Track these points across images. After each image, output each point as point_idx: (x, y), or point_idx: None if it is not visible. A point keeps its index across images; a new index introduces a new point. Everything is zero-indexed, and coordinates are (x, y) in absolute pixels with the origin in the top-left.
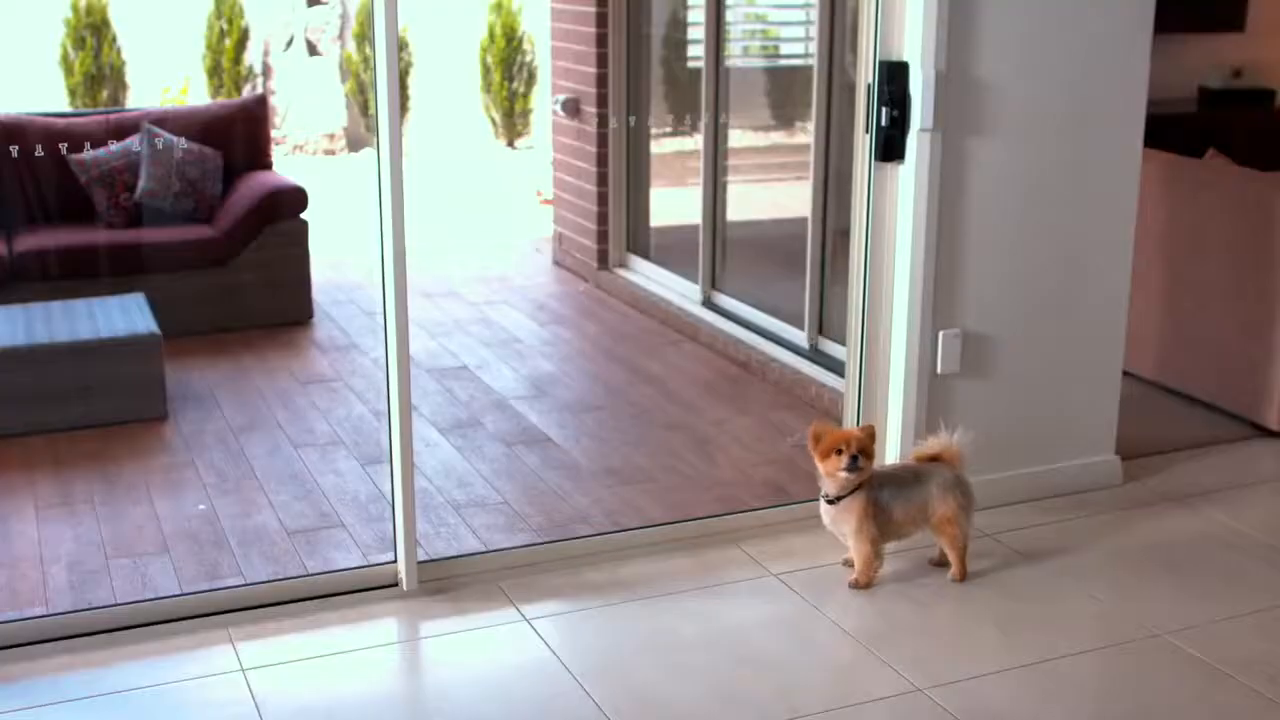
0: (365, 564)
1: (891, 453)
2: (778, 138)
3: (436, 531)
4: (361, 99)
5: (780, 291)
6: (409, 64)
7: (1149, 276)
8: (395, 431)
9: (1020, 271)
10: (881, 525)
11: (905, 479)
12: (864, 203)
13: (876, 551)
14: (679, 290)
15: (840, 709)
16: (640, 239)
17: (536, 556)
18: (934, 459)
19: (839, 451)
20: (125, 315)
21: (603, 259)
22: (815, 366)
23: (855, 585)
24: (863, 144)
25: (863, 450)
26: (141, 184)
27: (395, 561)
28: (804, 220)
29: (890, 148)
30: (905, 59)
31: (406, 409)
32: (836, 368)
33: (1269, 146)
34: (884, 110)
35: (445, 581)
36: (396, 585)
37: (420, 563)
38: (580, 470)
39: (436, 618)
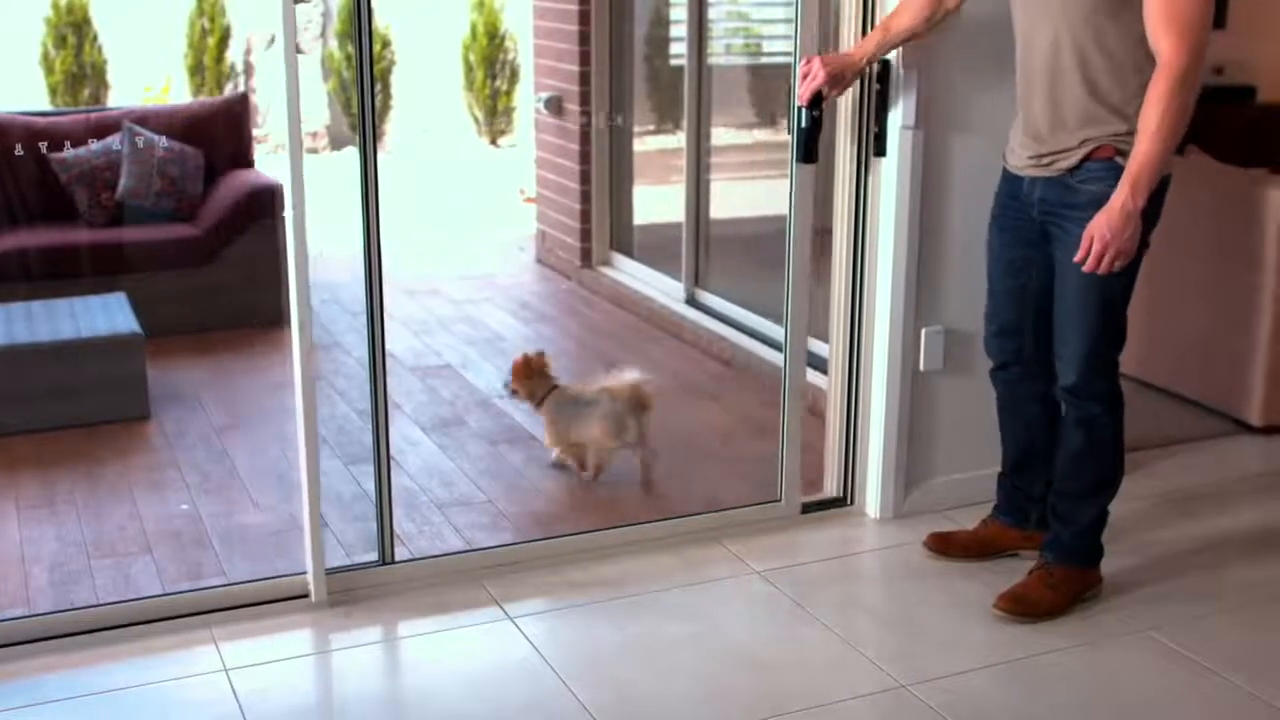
0: (349, 563)
1: (875, 449)
2: (760, 135)
3: (420, 530)
4: (343, 97)
5: (763, 289)
6: (392, 62)
7: None
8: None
9: None
10: (560, 432)
11: (580, 401)
12: (847, 201)
13: (563, 447)
14: (662, 288)
15: (824, 706)
16: (623, 237)
17: (520, 555)
18: (622, 390)
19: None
20: (107, 315)
21: (586, 257)
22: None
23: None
24: (845, 142)
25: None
26: (123, 183)
27: (382, 561)
28: (787, 218)
29: (874, 145)
30: (887, 57)
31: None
32: (819, 365)
33: (1250, 143)
34: (805, 111)
35: (428, 580)
36: (380, 584)
37: (403, 561)
38: (564, 468)
39: (420, 616)
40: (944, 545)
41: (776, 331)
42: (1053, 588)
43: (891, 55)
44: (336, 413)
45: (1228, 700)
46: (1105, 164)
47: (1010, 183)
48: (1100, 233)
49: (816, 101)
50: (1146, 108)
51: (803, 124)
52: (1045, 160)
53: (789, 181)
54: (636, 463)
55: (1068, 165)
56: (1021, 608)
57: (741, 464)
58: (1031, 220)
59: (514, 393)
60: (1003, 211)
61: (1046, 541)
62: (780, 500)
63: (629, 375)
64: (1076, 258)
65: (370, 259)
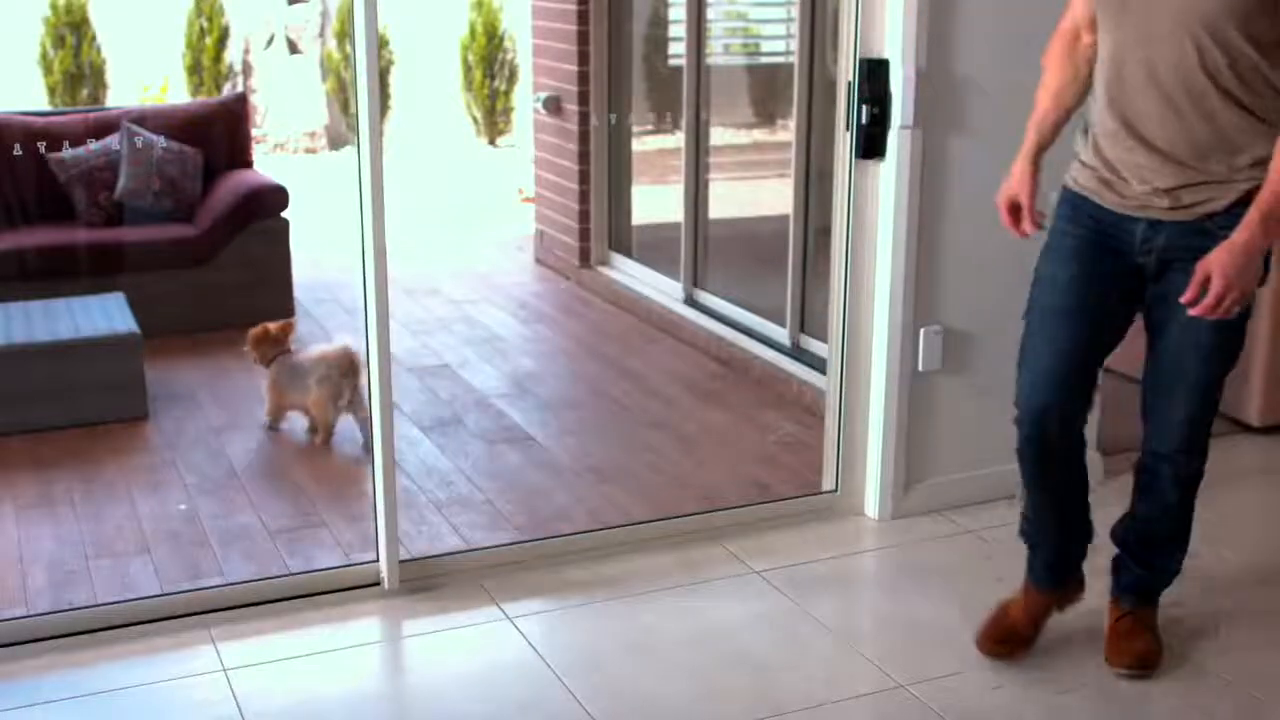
0: (347, 563)
1: (875, 449)
2: (759, 135)
3: (418, 530)
4: (342, 97)
5: (762, 289)
6: (390, 62)
7: None
8: (377, 428)
9: (1001, 268)
10: (277, 396)
11: (300, 368)
12: (845, 200)
13: (277, 412)
14: (661, 288)
15: (823, 706)
16: (622, 237)
17: (519, 555)
18: (334, 355)
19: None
20: (105, 315)
21: (585, 257)
22: (797, 364)
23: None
24: (843, 141)
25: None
26: (121, 183)
27: (377, 560)
28: (785, 218)
29: (871, 145)
30: (885, 56)
31: (388, 407)
32: (818, 365)
33: None
34: (864, 108)
35: (427, 580)
36: (378, 584)
37: (402, 561)
38: (562, 468)
39: (419, 617)
40: (1008, 649)
41: (775, 331)
42: (1150, 629)
43: (890, 55)
44: None
45: (1226, 700)
46: None
47: (1098, 216)
48: (1222, 270)
49: (877, 100)
50: None
51: (862, 120)
52: (1186, 200)
53: (846, 178)
54: (355, 427)
55: (1216, 208)
56: (1147, 667)
57: (740, 464)
58: (1132, 264)
59: (258, 360)
60: (1080, 247)
61: (1126, 586)
62: (837, 490)
63: (340, 341)
64: (1185, 297)
65: (375, 259)
